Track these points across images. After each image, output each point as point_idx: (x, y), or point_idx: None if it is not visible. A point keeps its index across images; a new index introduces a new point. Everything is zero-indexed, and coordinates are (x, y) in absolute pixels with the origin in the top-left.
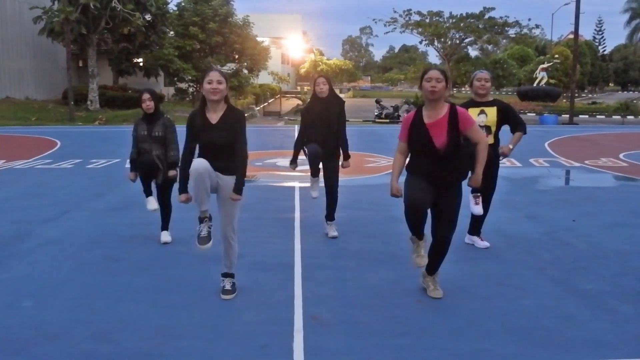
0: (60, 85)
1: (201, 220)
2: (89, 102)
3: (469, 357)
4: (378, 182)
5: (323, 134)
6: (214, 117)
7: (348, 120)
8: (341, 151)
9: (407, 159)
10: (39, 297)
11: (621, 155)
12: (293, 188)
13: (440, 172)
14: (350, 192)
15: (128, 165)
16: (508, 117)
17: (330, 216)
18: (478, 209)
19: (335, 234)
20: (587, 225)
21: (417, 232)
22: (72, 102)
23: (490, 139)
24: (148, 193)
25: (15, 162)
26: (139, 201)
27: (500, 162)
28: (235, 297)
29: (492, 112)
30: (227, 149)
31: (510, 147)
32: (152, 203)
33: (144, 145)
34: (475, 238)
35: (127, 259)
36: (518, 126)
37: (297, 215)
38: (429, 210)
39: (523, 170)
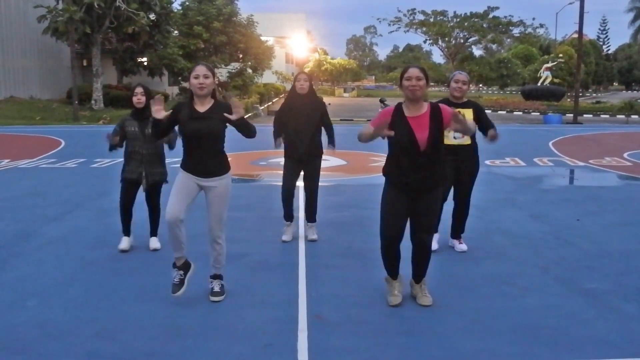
0: (64, 84)
1: (174, 266)
2: (93, 102)
3: (473, 356)
4: (382, 181)
5: (303, 132)
6: (201, 108)
7: (352, 120)
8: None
9: (385, 161)
10: (43, 296)
11: (625, 155)
12: (297, 187)
13: (420, 174)
14: (355, 191)
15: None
16: (481, 118)
17: (310, 217)
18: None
19: (314, 237)
20: (591, 224)
21: (392, 269)
22: (77, 102)
23: (467, 139)
24: (126, 231)
25: (20, 162)
26: (143, 200)
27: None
28: (238, 296)
29: (468, 113)
30: (213, 142)
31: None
32: (125, 243)
33: (136, 143)
34: (454, 241)
35: (131, 258)
36: (489, 126)
37: (301, 214)
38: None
39: (527, 169)
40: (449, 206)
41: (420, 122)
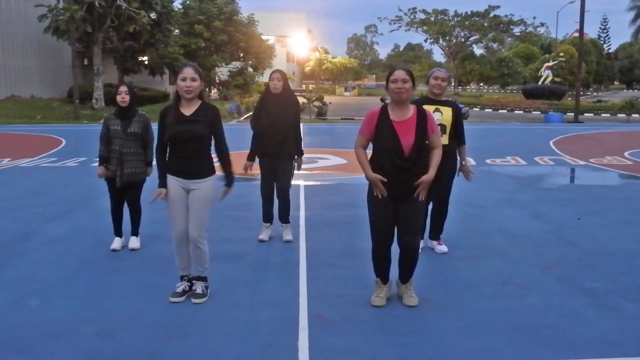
0: (65, 83)
1: (181, 279)
2: (94, 101)
3: (474, 355)
4: None
5: (275, 131)
6: (187, 111)
7: (353, 119)
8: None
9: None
10: (44, 295)
11: (626, 154)
12: (298, 187)
13: (403, 178)
14: (355, 190)
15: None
16: (457, 122)
17: (283, 218)
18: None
19: (289, 237)
20: (592, 223)
21: (383, 273)
22: (78, 100)
23: (445, 139)
24: (118, 231)
25: (21, 161)
26: (144, 199)
27: (456, 172)
28: (239, 296)
29: (447, 112)
30: (198, 144)
31: (465, 162)
32: (117, 243)
33: (116, 141)
34: (434, 242)
35: (132, 258)
36: (461, 137)
37: (301, 213)
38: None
39: (528, 168)
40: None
41: (406, 127)
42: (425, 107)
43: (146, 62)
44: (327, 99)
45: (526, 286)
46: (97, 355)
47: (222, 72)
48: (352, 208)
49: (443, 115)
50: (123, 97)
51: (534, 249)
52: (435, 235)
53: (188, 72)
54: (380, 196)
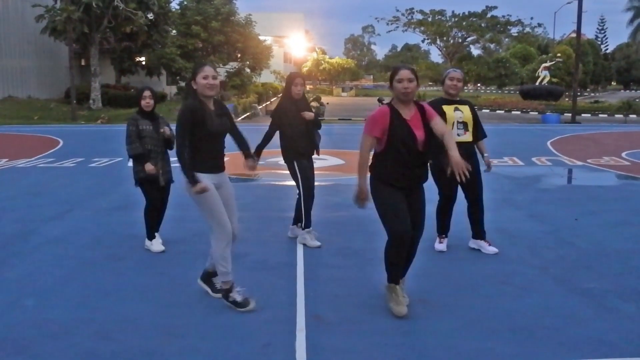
0: (62, 84)
1: (233, 286)
2: (91, 101)
3: (471, 356)
4: None
5: (301, 137)
6: (212, 106)
7: (350, 119)
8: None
9: (376, 161)
10: (41, 295)
11: (623, 154)
12: (294, 187)
13: (416, 173)
14: (352, 191)
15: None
16: (475, 119)
17: (308, 223)
18: (442, 247)
19: (319, 243)
20: (590, 224)
21: (397, 273)
22: (75, 101)
23: (469, 136)
24: (153, 234)
25: (18, 161)
26: (141, 200)
27: (484, 169)
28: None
29: (466, 109)
30: (223, 138)
31: (487, 154)
32: (158, 245)
33: (148, 141)
34: (482, 243)
35: (129, 258)
36: (480, 132)
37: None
38: None
39: (525, 169)
40: (462, 207)
41: (415, 123)
42: (444, 107)
43: (143, 63)
44: (325, 99)
45: (524, 286)
46: (95, 356)
47: (220, 72)
48: (349, 209)
49: (464, 114)
50: (148, 101)
51: (532, 250)
52: (481, 234)
53: (209, 70)
54: (363, 205)
